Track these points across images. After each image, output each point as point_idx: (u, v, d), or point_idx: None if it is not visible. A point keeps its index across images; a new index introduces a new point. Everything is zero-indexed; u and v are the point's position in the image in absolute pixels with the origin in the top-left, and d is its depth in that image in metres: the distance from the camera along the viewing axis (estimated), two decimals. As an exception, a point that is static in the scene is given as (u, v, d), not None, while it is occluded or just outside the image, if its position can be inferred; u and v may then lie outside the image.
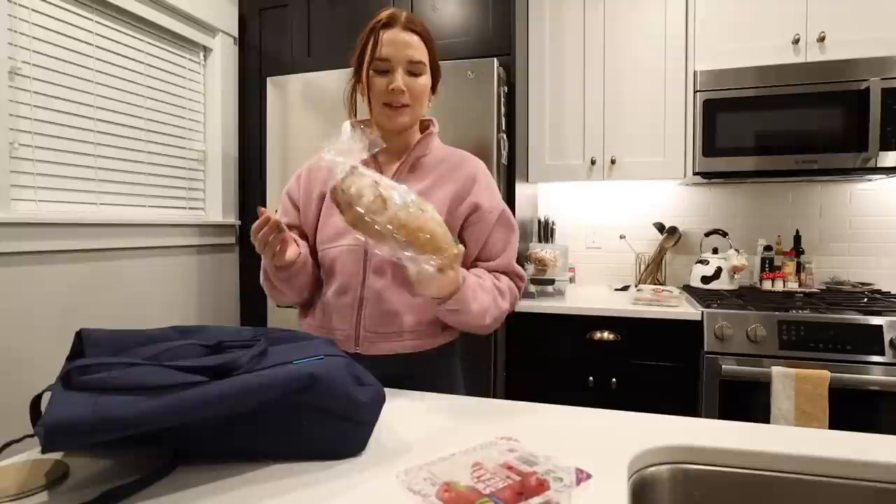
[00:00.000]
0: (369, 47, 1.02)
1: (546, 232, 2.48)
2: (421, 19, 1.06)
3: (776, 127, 1.98)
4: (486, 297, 0.99)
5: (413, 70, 1.02)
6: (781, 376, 1.70)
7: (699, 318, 1.85)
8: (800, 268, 2.26)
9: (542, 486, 0.52)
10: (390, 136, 1.07)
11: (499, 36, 2.06)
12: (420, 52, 1.02)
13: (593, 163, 2.25)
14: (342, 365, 0.71)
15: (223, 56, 2.36)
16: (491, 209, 1.07)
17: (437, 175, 1.08)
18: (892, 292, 2.14)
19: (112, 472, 0.67)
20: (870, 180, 2.27)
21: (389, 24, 1.01)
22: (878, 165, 1.89)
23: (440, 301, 0.94)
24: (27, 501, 0.60)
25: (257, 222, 0.90)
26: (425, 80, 1.04)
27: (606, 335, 1.97)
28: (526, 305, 2.04)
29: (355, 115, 1.12)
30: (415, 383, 1.00)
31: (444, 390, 1.02)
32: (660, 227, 2.43)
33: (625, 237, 2.53)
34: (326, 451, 0.70)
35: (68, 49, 1.76)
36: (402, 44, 1.00)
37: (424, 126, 1.13)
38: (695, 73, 2.06)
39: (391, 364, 1.02)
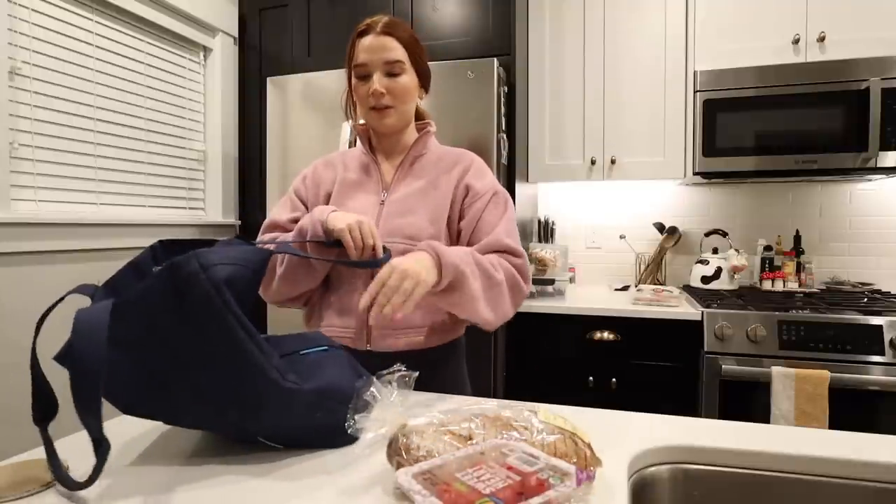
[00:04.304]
0: (351, 56, 1.06)
1: (546, 232, 2.48)
2: (403, 23, 1.07)
3: (776, 127, 1.98)
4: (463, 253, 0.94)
5: (391, 70, 1.03)
6: (781, 376, 1.70)
7: (699, 318, 1.85)
8: (800, 268, 2.26)
9: (542, 486, 0.52)
10: (386, 137, 1.11)
11: (499, 36, 2.06)
12: (397, 53, 1.03)
13: (593, 163, 2.25)
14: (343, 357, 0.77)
15: (223, 56, 2.36)
16: (484, 191, 1.07)
17: (436, 173, 1.09)
18: (892, 292, 2.14)
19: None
20: (870, 180, 2.27)
21: (366, 31, 1.04)
22: (878, 165, 1.89)
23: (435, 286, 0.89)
24: (27, 501, 0.60)
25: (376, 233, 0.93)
26: (406, 79, 1.05)
27: (606, 335, 1.97)
28: (526, 305, 2.03)
29: (354, 120, 1.14)
30: (424, 382, 1.00)
31: (453, 390, 1.03)
32: (660, 227, 2.43)
33: (625, 237, 2.53)
34: (326, 439, 0.73)
35: (68, 49, 1.76)
36: (377, 48, 1.03)
37: (423, 126, 1.15)
38: (695, 73, 2.06)
39: (400, 361, 1.02)
